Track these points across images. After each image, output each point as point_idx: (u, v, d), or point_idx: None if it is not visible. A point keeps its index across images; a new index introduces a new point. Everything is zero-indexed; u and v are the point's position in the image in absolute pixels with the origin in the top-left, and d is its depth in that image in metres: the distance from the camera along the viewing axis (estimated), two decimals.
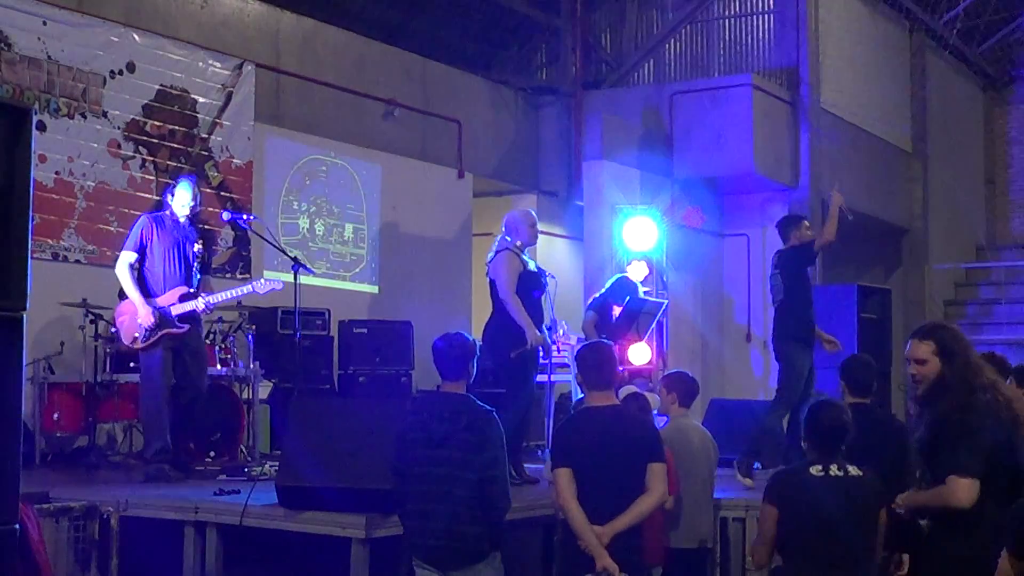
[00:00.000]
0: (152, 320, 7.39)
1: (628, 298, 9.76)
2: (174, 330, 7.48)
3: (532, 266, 7.53)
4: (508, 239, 7.47)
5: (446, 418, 4.93)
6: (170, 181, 10.14)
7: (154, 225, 7.59)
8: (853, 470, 4.48)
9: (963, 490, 4.12)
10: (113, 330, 7.99)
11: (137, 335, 7.44)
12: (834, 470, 4.46)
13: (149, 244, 7.54)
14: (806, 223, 8.67)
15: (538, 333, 7.27)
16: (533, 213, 7.77)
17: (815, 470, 4.47)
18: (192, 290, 7.63)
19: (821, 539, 4.41)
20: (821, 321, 8.96)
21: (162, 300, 7.50)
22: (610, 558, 4.82)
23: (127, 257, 7.51)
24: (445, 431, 4.90)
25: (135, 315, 7.44)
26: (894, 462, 5.15)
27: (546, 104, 14.45)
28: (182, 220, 7.67)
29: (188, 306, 7.52)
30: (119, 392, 8.74)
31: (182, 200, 7.65)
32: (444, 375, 5.12)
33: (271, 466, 7.43)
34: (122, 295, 7.70)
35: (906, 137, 16.73)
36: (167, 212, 7.70)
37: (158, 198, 10.11)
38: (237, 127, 10.80)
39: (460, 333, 5.22)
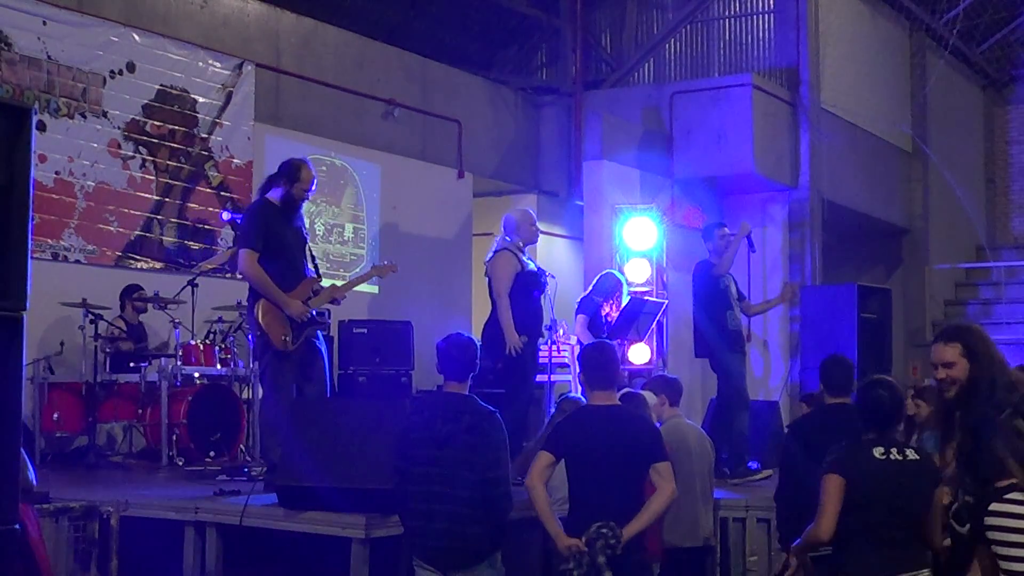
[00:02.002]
0: (305, 313, 6.67)
1: (629, 298, 9.76)
2: (317, 326, 6.87)
3: (532, 266, 7.52)
4: (507, 239, 7.47)
5: (448, 418, 4.93)
6: (170, 181, 10.21)
7: (270, 213, 6.80)
8: (911, 453, 4.46)
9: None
10: (255, 333, 6.95)
11: (286, 337, 6.68)
12: (894, 454, 4.43)
13: (270, 234, 6.73)
14: (720, 231, 8.63)
15: (517, 338, 7.19)
16: (531, 211, 7.75)
17: (878, 452, 4.43)
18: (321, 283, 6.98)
19: (881, 521, 4.38)
20: (821, 321, 8.98)
21: (297, 294, 6.77)
22: (569, 538, 4.85)
23: (254, 255, 6.68)
24: (447, 431, 4.90)
25: (277, 314, 6.67)
26: None
27: (546, 104, 14.46)
28: (298, 204, 6.90)
29: (323, 299, 6.90)
30: (119, 392, 8.75)
31: (305, 184, 6.83)
32: (447, 375, 5.13)
33: None
34: (253, 293, 6.83)
35: (906, 137, 16.72)
36: (277, 197, 6.85)
37: (158, 198, 10.13)
38: (237, 127, 10.80)
39: (462, 333, 5.22)
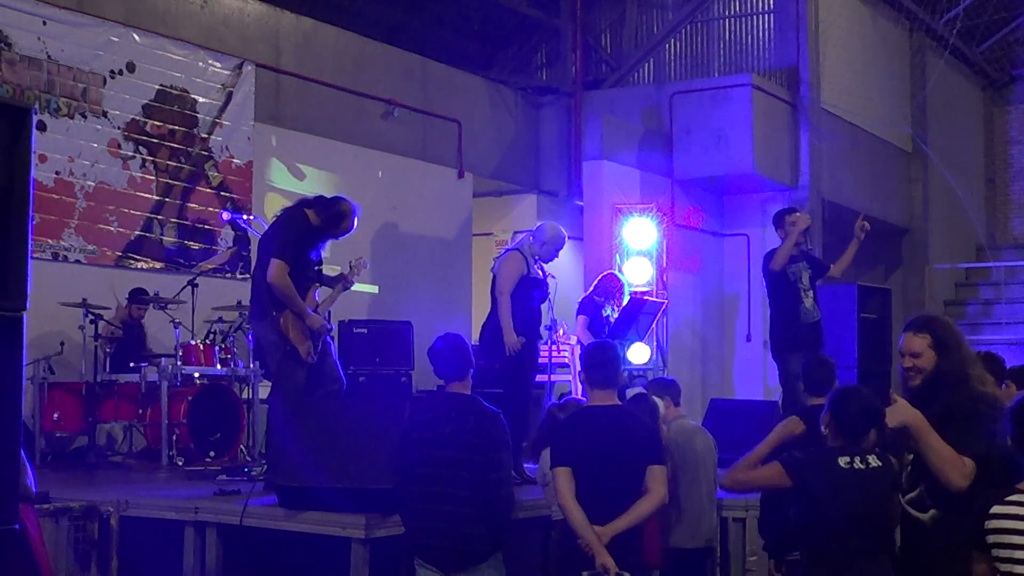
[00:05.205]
0: (325, 326, 6.80)
1: (628, 298, 9.77)
2: (328, 334, 6.95)
3: (538, 273, 7.47)
4: (530, 239, 7.44)
5: (452, 418, 4.93)
6: (170, 181, 10.20)
7: (304, 229, 6.76)
8: (873, 460, 4.41)
9: (966, 466, 4.06)
10: (274, 339, 6.78)
11: (310, 350, 6.73)
12: (858, 463, 4.38)
13: (297, 249, 6.72)
14: (789, 217, 8.51)
15: (515, 338, 7.17)
16: (565, 237, 7.58)
17: (843, 462, 4.38)
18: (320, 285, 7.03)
19: (848, 530, 4.36)
20: (821, 321, 8.95)
21: (309, 302, 6.81)
22: (609, 556, 4.82)
23: (286, 267, 6.60)
24: (450, 432, 4.89)
25: (303, 327, 6.68)
26: None
27: (546, 104, 14.46)
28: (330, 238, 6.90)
29: (323, 308, 6.96)
30: (119, 392, 8.75)
31: (342, 231, 6.87)
32: (447, 376, 5.12)
33: None
34: (275, 303, 6.70)
35: (906, 137, 16.73)
36: (315, 219, 6.82)
37: (158, 198, 10.13)
38: (237, 127, 10.80)
39: (456, 334, 5.23)
